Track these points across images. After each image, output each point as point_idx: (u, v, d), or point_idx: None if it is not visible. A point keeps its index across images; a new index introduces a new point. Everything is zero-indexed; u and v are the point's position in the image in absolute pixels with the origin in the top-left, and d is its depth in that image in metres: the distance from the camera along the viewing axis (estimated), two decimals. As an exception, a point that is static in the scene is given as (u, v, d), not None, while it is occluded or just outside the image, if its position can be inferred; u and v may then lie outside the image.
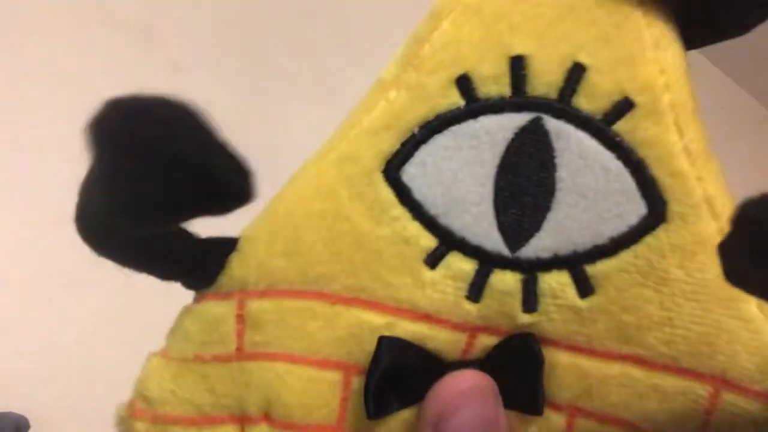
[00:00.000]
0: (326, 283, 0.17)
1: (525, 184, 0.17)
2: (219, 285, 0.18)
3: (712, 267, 0.16)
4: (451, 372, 0.17)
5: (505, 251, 0.17)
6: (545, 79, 0.17)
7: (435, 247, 0.17)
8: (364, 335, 0.17)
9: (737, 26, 0.17)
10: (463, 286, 0.17)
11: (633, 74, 0.16)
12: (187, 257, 0.17)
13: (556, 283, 0.17)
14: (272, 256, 0.17)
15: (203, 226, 0.17)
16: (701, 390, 0.16)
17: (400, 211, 0.17)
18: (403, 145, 0.17)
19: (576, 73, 0.17)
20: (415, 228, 0.17)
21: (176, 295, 0.18)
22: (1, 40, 0.72)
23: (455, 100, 0.17)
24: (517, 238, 0.17)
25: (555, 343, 0.17)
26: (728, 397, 0.16)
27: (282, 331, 0.17)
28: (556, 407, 0.17)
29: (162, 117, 0.14)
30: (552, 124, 0.17)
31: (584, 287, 0.17)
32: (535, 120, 0.17)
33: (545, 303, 0.17)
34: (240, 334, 0.18)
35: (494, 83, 0.17)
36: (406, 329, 0.17)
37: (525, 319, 0.17)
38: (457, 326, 0.17)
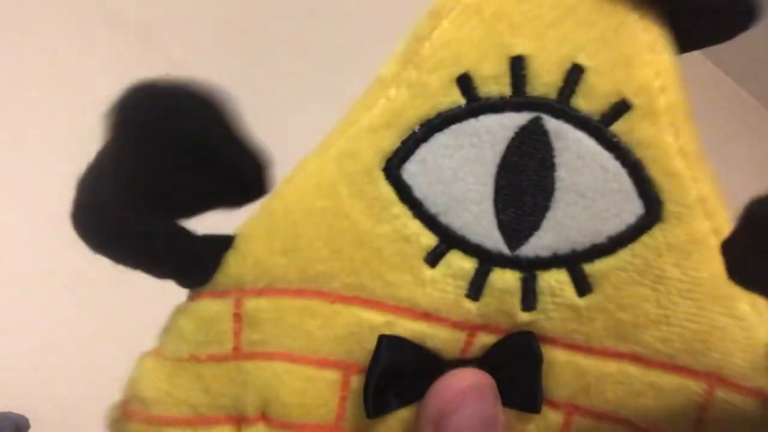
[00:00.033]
0: (326, 281, 0.17)
1: (525, 183, 0.17)
2: (215, 283, 0.17)
3: (706, 266, 0.17)
4: (450, 370, 0.17)
5: (504, 250, 0.17)
6: (545, 80, 0.17)
7: (435, 245, 0.17)
8: (364, 334, 0.17)
9: (722, 33, 0.18)
10: (463, 284, 0.17)
11: (630, 76, 0.17)
12: (185, 254, 0.17)
13: (555, 281, 0.17)
14: (271, 254, 0.17)
15: (194, 226, 0.17)
16: (696, 387, 0.17)
17: (400, 209, 0.17)
18: (403, 143, 0.17)
19: (575, 74, 0.17)
20: (415, 226, 0.17)
21: (177, 294, 0.18)
22: (1, 40, 0.72)
23: (456, 98, 0.17)
24: (517, 237, 0.17)
25: (553, 342, 0.17)
26: (722, 394, 0.17)
27: (280, 330, 0.17)
28: (554, 405, 0.17)
29: (190, 103, 0.14)
30: (551, 123, 0.17)
31: (582, 286, 0.17)
32: (535, 120, 0.17)
33: (544, 301, 0.17)
34: (237, 333, 0.17)
35: (495, 83, 0.17)
36: (406, 328, 0.17)
37: (524, 317, 0.17)
38: (456, 325, 0.17)
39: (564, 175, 0.17)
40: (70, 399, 0.61)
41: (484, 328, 0.18)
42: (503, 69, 0.17)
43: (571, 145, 0.17)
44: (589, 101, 0.17)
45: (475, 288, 0.17)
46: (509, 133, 0.17)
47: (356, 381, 0.17)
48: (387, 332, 0.17)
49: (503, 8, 0.17)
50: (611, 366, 0.17)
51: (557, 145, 0.17)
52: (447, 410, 0.16)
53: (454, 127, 0.17)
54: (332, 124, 0.18)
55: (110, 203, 0.15)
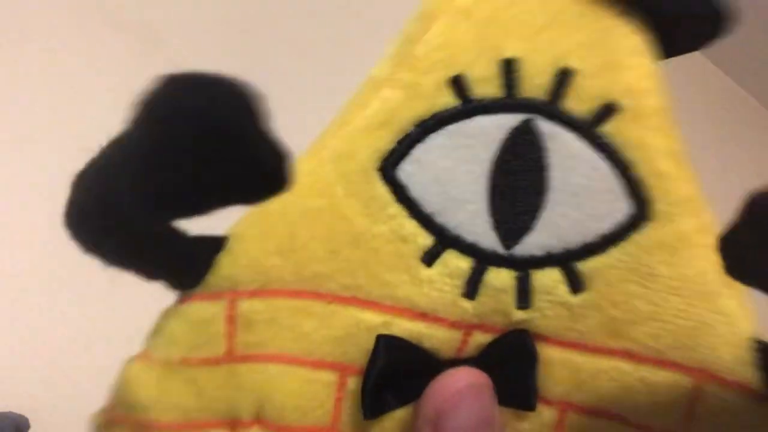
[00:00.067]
0: (322, 281, 0.17)
1: (518, 183, 0.17)
2: (207, 285, 0.17)
3: (693, 263, 0.17)
4: (447, 370, 0.17)
5: (499, 249, 0.17)
6: (536, 82, 0.17)
7: (431, 245, 0.17)
8: (361, 334, 0.17)
9: (699, 39, 0.18)
10: (460, 283, 0.17)
11: (617, 79, 0.17)
12: (178, 256, 0.17)
13: (549, 280, 0.17)
14: (265, 255, 0.17)
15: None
16: (686, 382, 0.17)
17: (396, 209, 0.17)
18: (399, 143, 0.17)
19: (564, 76, 0.17)
20: (411, 226, 0.17)
21: (176, 295, 0.18)
22: (2, 41, 0.72)
23: (450, 99, 0.17)
24: (511, 236, 0.17)
25: (548, 339, 0.18)
26: (710, 389, 0.17)
27: (275, 332, 0.17)
28: (548, 402, 0.18)
29: (221, 93, 0.14)
30: (543, 125, 0.17)
31: (575, 284, 0.17)
32: (527, 121, 0.17)
33: (539, 300, 0.17)
34: (230, 336, 0.17)
35: (487, 84, 0.17)
36: (403, 328, 0.17)
37: (519, 315, 0.17)
38: (453, 324, 0.17)
39: (556, 175, 0.17)
40: (70, 399, 0.61)
41: (480, 327, 0.18)
42: (495, 71, 0.17)
43: (563, 146, 0.17)
44: (578, 103, 0.17)
45: (471, 287, 0.17)
46: (502, 134, 0.17)
47: (353, 382, 0.17)
48: (384, 332, 0.17)
49: (494, 12, 0.18)
50: (604, 363, 0.17)
51: (549, 145, 0.17)
52: (444, 410, 0.16)
53: (448, 128, 0.17)
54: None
55: (119, 199, 0.15)
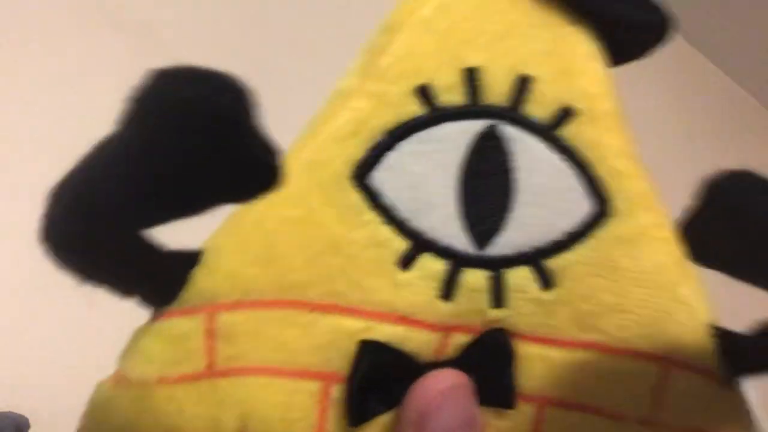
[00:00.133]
0: (301, 290, 0.17)
1: (487, 186, 0.18)
2: (183, 300, 0.17)
3: (651, 255, 0.18)
4: (428, 372, 0.17)
5: (472, 250, 0.18)
6: (497, 89, 0.18)
7: (407, 249, 0.18)
8: (343, 341, 0.17)
9: (644, 47, 0.20)
10: (436, 285, 0.18)
11: (573, 84, 0.18)
12: (154, 270, 0.16)
13: (521, 278, 0.18)
14: (243, 266, 0.17)
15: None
16: (653, 370, 0.18)
17: (371, 216, 0.18)
18: (370, 151, 0.18)
19: (523, 83, 0.18)
20: (387, 231, 0.18)
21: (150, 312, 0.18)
22: (2, 41, 0.72)
23: (417, 108, 0.18)
24: (483, 238, 0.18)
25: (523, 336, 0.18)
26: (675, 375, 0.18)
27: (257, 343, 0.17)
28: (526, 398, 0.18)
29: (210, 89, 0.14)
30: (507, 130, 0.18)
31: (546, 280, 0.18)
32: (492, 126, 0.18)
33: (513, 298, 0.18)
34: (210, 350, 0.17)
35: (452, 92, 0.18)
36: (384, 332, 0.17)
37: (494, 314, 0.18)
38: (432, 326, 0.18)
39: (522, 177, 0.18)
40: (70, 399, 0.62)
41: (458, 328, 0.18)
42: (459, 79, 0.18)
43: (526, 149, 0.18)
44: (538, 108, 0.18)
45: (447, 289, 0.18)
46: (469, 140, 0.18)
47: (336, 391, 0.17)
48: (366, 338, 0.17)
49: (454, 23, 0.18)
50: (577, 355, 0.18)
51: (513, 149, 0.18)
52: (427, 412, 0.16)
53: (417, 135, 0.18)
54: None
55: (107, 202, 0.14)
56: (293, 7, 0.86)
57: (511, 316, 0.18)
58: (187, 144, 0.14)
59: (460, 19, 0.19)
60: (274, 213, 0.17)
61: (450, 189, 0.18)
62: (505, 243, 0.18)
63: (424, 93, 0.18)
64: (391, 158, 0.18)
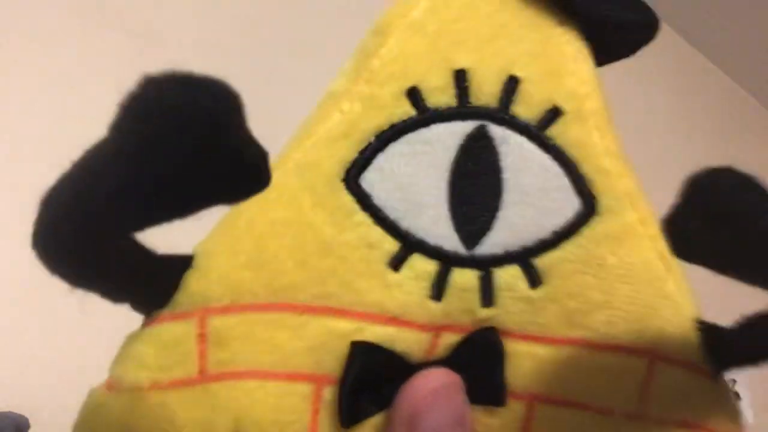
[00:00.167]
0: (293, 292, 0.17)
1: (476, 186, 0.18)
2: (175, 305, 0.17)
3: (637, 252, 0.18)
4: (419, 372, 0.17)
5: (461, 250, 0.18)
6: (486, 91, 0.18)
7: (398, 250, 0.18)
8: (334, 343, 0.17)
9: (631, 46, 0.20)
10: (427, 285, 0.18)
11: (559, 84, 0.19)
12: (146, 275, 0.16)
13: (510, 276, 0.18)
14: (235, 269, 0.17)
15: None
16: (639, 365, 0.18)
17: (362, 217, 0.18)
18: (360, 153, 0.18)
19: (512, 84, 0.19)
20: (377, 232, 0.18)
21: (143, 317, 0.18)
22: (2, 41, 0.72)
23: (407, 109, 0.18)
24: (473, 237, 0.18)
25: (512, 334, 0.18)
26: (662, 370, 0.18)
27: (249, 346, 0.17)
28: (517, 396, 0.18)
29: (206, 91, 0.15)
30: (495, 130, 0.18)
31: (534, 279, 0.18)
32: (480, 127, 0.18)
33: (502, 297, 0.18)
34: (202, 355, 0.17)
35: (441, 94, 0.18)
36: (376, 333, 0.18)
37: (484, 313, 0.18)
38: (422, 326, 0.18)
39: (510, 177, 0.18)
40: (70, 399, 0.61)
41: (448, 327, 0.18)
42: (448, 81, 0.18)
43: (514, 149, 0.18)
44: (526, 108, 0.19)
45: (438, 289, 0.18)
46: (458, 141, 0.18)
47: (328, 393, 0.17)
48: (357, 339, 0.17)
49: (443, 26, 0.19)
50: (565, 352, 0.18)
51: (502, 149, 0.18)
52: (418, 411, 0.17)
53: (407, 137, 0.18)
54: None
55: (98, 205, 0.14)
56: (292, 9, 0.86)
57: (500, 314, 0.18)
58: (176, 148, 0.14)
59: (450, 21, 0.19)
60: (264, 216, 0.17)
61: (440, 190, 0.18)
62: (494, 242, 0.18)
63: (414, 95, 0.18)
64: (382, 160, 0.18)
